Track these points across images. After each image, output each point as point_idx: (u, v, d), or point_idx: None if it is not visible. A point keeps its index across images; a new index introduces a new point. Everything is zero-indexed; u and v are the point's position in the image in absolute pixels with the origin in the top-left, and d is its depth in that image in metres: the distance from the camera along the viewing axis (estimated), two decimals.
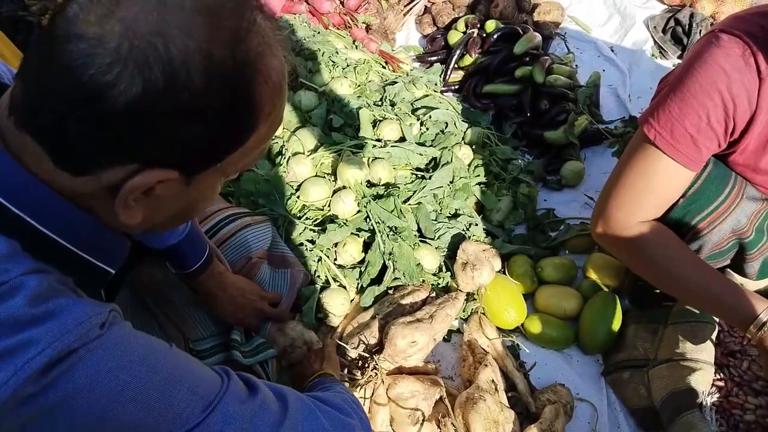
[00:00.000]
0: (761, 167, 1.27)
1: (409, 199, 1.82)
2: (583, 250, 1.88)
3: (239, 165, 0.77)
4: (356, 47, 2.46)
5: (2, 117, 0.68)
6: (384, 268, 1.67)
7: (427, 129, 2.07)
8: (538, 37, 2.45)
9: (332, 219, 1.75)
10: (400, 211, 1.76)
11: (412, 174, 1.91)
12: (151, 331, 1.36)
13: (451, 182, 1.89)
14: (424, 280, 1.69)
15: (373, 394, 1.38)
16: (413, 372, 1.47)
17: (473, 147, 2.10)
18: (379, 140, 1.95)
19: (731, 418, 1.38)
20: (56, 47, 0.62)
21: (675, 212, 1.34)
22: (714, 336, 1.46)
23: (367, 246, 1.73)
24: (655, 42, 2.63)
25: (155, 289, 1.42)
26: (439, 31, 2.68)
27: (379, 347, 1.48)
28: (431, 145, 2.00)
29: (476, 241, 1.77)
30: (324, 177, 1.85)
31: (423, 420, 1.36)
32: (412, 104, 2.19)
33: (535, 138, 2.22)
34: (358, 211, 1.77)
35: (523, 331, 1.68)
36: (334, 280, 1.67)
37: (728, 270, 1.47)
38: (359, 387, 1.39)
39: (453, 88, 2.46)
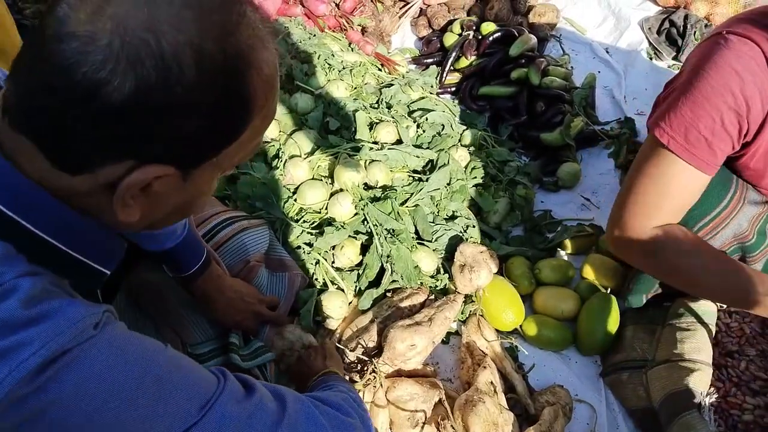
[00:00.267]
0: None
1: (406, 201, 1.82)
2: (581, 251, 1.89)
3: (235, 159, 0.77)
4: (352, 50, 2.46)
5: None
6: (382, 271, 1.67)
7: (424, 131, 2.07)
8: (534, 39, 2.45)
9: (329, 222, 1.75)
10: (398, 213, 1.76)
11: (409, 176, 1.91)
12: (148, 335, 1.36)
13: (448, 184, 1.89)
14: (422, 283, 1.69)
15: (372, 397, 1.37)
16: (412, 375, 1.47)
17: (470, 149, 2.10)
18: (375, 143, 1.95)
19: (730, 419, 1.38)
20: (48, 47, 0.62)
21: None
22: (712, 336, 1.47)
23: (364, 249, 1.73)
24: (650, 43, 2.64)
25: (152, 293, 1.42)
26: (435, 33, 2.69)
27: (377, 350, 1.48)
28: (428, 148, 2.00)
29: (474, 243, 1.76)
30: (321, 180, 1.85)
31: (423, 422, 1.36)
32: (408, 106, 2.19)
33: (532, 140, 2.23)
34: (356, 214, 1.76)
35: (522, 333, 1.68)
36: (332, 283, 1.67)
37: None
38: (359, 391, 1.38)
39: (449, 90, 2.46)
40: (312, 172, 1.87)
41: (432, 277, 1.72)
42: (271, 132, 1.96)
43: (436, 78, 2.47)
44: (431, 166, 1.94)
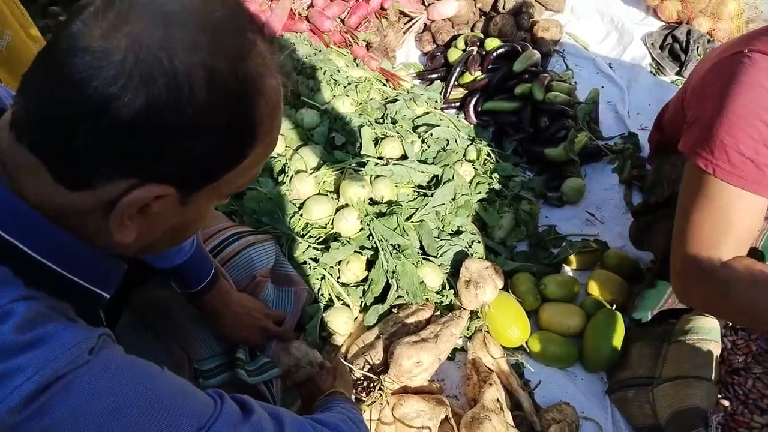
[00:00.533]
0: None
1: (411, 216, 1.82)
2: (585, 267, 1.89)
3: (234, 185, 0.77)
4: (357, 65, 2.48)
5: (2, 135, 0.68)
6: (387, 287, 1.68)
7: (429, 146, 2.09)
8: (537, 55, 2.47)
9: (335, 237, 1.76)
10: (403, 228, 1.76)
11: (414, 191, 1.92)
12: (155, 352, 1.37)
13: (453, 199, 1.90)
14: (427, 298, 1.69)
15: (379, 414, 1.37)
16: (418, 391, 1.47)
17: (474, 164, 2.11)
18: (381, 158, 1.97)
19: None
20: (61, 61, 0.63)
21: None
22: (718, 353, 1.47)
23: (370, 264, 1.73)
24: (653, 58, 2.65)
25: (159, 309, 1.42)
26: (439, 48, 2.70)
27: (383, 367, 1.48)
28: (433, 163, 2.01)
29: (479, 258, 1.77)
30: (327, 195, 1.86)
31: None
32: (413, 121, 2.20)
33: (536, 155, 2.24)
34: (361, 229, 1.77)
35: (527, 349, 1.68)
36: (338, 298, 1.67)
37: None
38: (365, 409, 1.38)
39: (453, 105, 2.48)
40: (318, 187, 1.88)
41: (437, 292, 1.73)
42: (278, 147, 1.98)
43: (441, 93, 2.49)
44: (436, 182, 1.95)
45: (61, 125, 0.63)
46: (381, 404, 1.39)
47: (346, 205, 1.81)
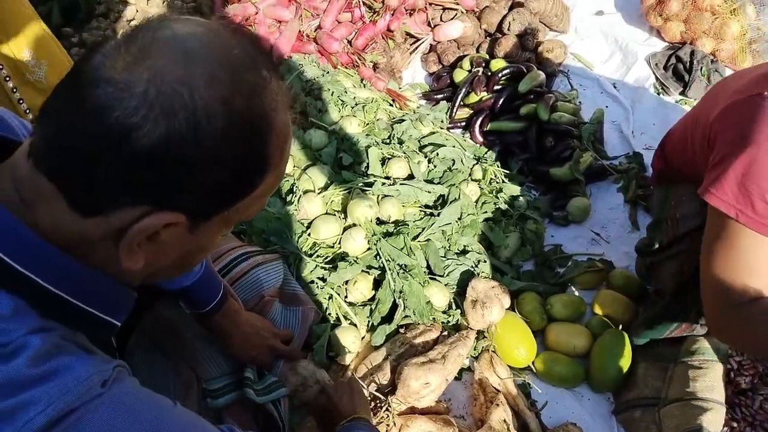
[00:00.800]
0: None
1: (418, 236, 1.84)
2: (591, 287, 1.90)
3: (242, 215, 0.79)
4: (364, 86, 2.52)
5: (19, 165, 0.70)
6: (394, 306, 1.69)
7: (435, 166, 2.11)
8: (542, 75, 2.50)
9: (343, 256, 1.78)
10: (410, 248, 1.78)
11: (421, 211, 1.94)
12: (163, 371, 1.38)
13: (459, 219, 1.92)
14: (434, 318, 1.70)
15: None
16: (425, 412, 1.48)
17: (480, 183, 2.13)
18: (387, 178, 1.99)
19: None
20: (82, 91, 0.65)
21: None
22: (724, 374, 1.47)
23: (377, 283, 1.75)
24: (657, 79, 2.67)
25: (168, 329, 1.43)
26: (445, 69, 2.74)
27: (391, 387, 1.49)
28: (439, 182, 2.03)
29: (485, 278, 1.78)
30: (334, 215, 1.88)
31: None
32: (419, 141, 2.23)
33: (541, 174, 2.26)
34: (368, 249, 1.79)
35: (534, 369, 1.68)
36: (345, 317, 1.69)
37: None
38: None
39: (459, 124, 2.50)
40: (325, 207, 1.90)
41: (444, 312, 1.74)
42: (286, 167, 2.00)
43: (447, 113, 2.51)
44: (442, 201, 1.97)
45: (81, 153, 0.65)
46: (388, 425, 1.39)
47: (354, 225, 1.83)
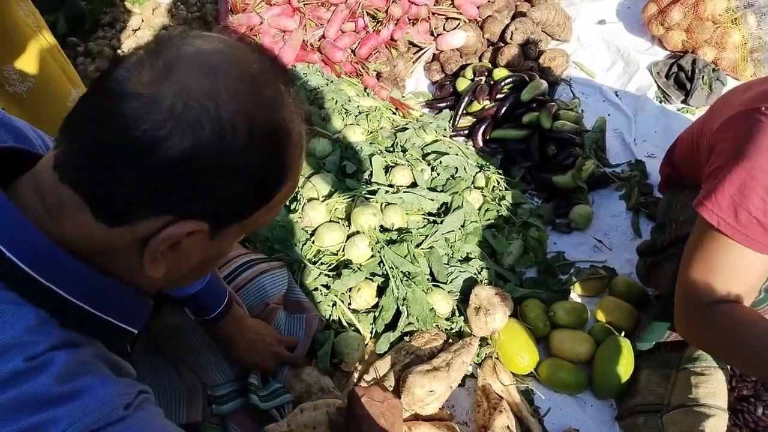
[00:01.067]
0: None
1: (421, 243, 1.85)
2: (594, 294, 1.91)
3: (259, 221, 0.81)
4: (368, 94, 2.54)
5: (44, 176, 0.73)
6: (398, 313, 1.70)
7: (438, 174, 2.12)
8: (545, 84, 2.52)
9: (346, 264, 1.79)
10: (413, 255, 1.79)
11: (424, 219, 1.95)
12: (169, 376, 1.39)
13: (462, 226, 1.93)
14: (437, 325, 1.71)
15: None
16: (429, 419, 1.48)
17: (483, 191, 2.14)
18: (391, 186, 2.00)
19: None
20: (108, 105, 0.67)
21: None
22: (726, 381, 1.47)
23: (380, 291, 1.76)
24: (659, 87, 2.69)
25: (173, 336, 1.45)
26: (448, 78, 2.76)
27: (395, 396, 1.49)
28: (442, 190, 2.04)
29: (488, 285, 1.79)
30: (338, 222, 1.89)
31: None
32: (422, 149, 2.24)
33: (544, 182, 2.27)
34: (372, 256, 1.80)
35: (537, 376, 1.69)
36: (349, 325, 1.70)
37: None
38: None
39: (462, 133, 2.52)
40: (329, 214, 1.91)
41: (447, 319, 1.75)
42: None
43: (450, 121, 2.53)
44: (445, 209, 1.98)
45: (108, 165, 0.67)
46: None
47: (357, 233, 1.84)
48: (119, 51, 3.00)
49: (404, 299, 1.69)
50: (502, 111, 2.45)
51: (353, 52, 2.72)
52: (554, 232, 2.15)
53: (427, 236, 1.87)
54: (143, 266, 0.74)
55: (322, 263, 1.80)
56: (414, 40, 2.82)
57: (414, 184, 2.04)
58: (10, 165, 0.77)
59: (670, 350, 1.61)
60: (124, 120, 0.66)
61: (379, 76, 2.69)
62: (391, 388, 1.50)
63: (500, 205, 2.10)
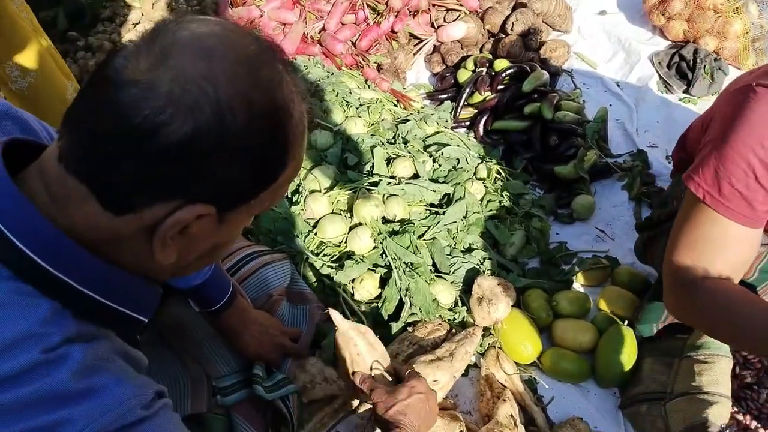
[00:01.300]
0: None
1: (423, 234, 1.85)
2: (596, 283, 1.91)
3: (266, 204, 0.81)
4: (368, 87, 2.53)
5: (49, 167, 0.73)
6: (401, 304, 1.70)
7: (440, 165, 2.12)
8: (546, 75, 2.51)
9: (349, 255, 1.79)
10: (416, 246, 1.79)
11: (426, 210, 1.95)
12: (173, 366, 1.40)
13: (465, 217, 1.93)
14: (440, 316, 1.71)
15: None
16: None
17: (485, 182, 2.14)
18: (393, 177, 2.00)
19: None
20: (107, 94, 0.67)
21: None
22: (729, 368, 1.47)
23: (383, 282, 1.76)
24: (660, 77, 2.68)
25: (177, 327, 1.45)
26: (449, 69, 2.75)
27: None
28: (444, 181, 2.04)
29: (491, 275, 1.79)
30: (340, 214, 1.89)
31: None
32: (424, 141, 2.24)
33: (546, 172, 2.27)
34: (374, 248, 1.80)
35: (540, 365, 1.69)
36: (352, 315, 1.70)
37: None
38: None
39: (463, 124, 2.52)
40: (331, 206, 1.92)
41: (450, 309, 1.75)
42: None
43: (451, 113, 2.53)
44: (448, 200, 1.98)
45: (110, 154, 0.67)
46: None
47: (360, 224, 1.85)
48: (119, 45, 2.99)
49: (407, 290, 1.70)
50: (504, 102, 2.44)
51: (354, 44, 2.71)
52: (556, 222, 2.16)
53: (429, 227, 1.87)
54: (154, 253, 0.74)
55: (324, 255, 1.81)
56: (414, 32, 2.81)
57: (416, 176, 2.04)
58: (17, 157, 0.77)
59: (673, 338, 1.61)
60: (123, 108, 0.66)
61: (379, 68, 2.69)
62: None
63: (502, 196, 2.10)
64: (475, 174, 2.15)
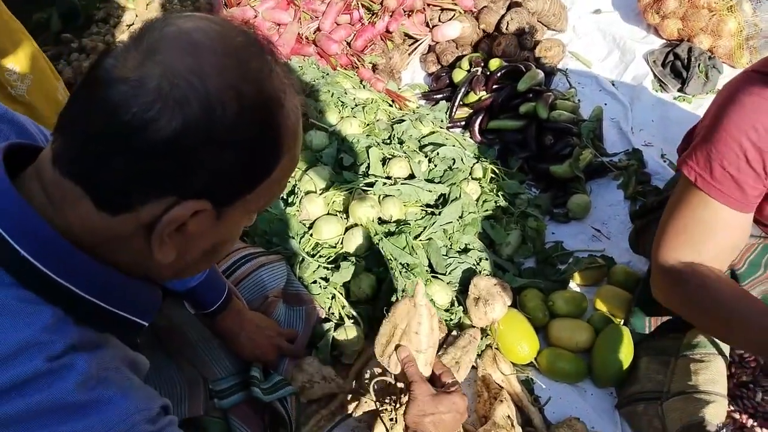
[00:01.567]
0: None
1: (419, 235, 1.85)
2: (592, 283, 1.91)
3: (263, 200, 0.80)
4: (364, 87, 2.53)
5: (45, 170, 0.72)
6: None
7: (435, 166, 2.12)
8: (541, 74, 2.51)
9: (345, 256, 1.79)
10: (412, 247, 1.79)
11: (422, 210, 1.95)
12: (168, 369, 1.39)
13: (461, 217, 1.93)
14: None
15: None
16: None
17: (480, 182, 2.14)
18: (388, 178, 2.00)
19: None
20: (98, 93, 0.67)
21: None
22: (726, 367, 1.48)
23: (379, 282, 1.76)
24: (655, 76, 2.69)
25: (173, 330, 1.45)
26: (444, 69, 2.75)
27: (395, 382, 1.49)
28: (440, 182, 2.04)
29: (487, 275, 1.79)
30: (336, 215, 1.89)
31: None
32: (419, 141, 2.24)
33: (541, 172, 2.27)
34: (370, 248, 1.80)
35: (537, 365, 1.69)
36: (348, 316, 1.70)
37: None
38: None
39: (459, 124, 2.51)
40: (327, 207, 1.91)
41: (446, 310, 1.75)
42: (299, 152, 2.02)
43: (446, 113, 2.52)
44: (443, 200, 1.98)
45: (102, 153, 0.67)
46: (392, 419, 1.40)
47: (356, 225, 1.84)
48: None
49: (403, 291, 1.69)
50: (499, 101, 2.44)
51: (348, 44, 2.71)
52: (552, 221, 2.15)
53: (425, 228, 1.87)
54: (152, 252, 0.74)
55: (320, 256, 1.80)
56: (409, 32, 2.81)
57: (411, 176, 2.04)
58: (15, 160, 0.77)
59: (669, 338, 1.61)
60: (113, 106, 0.65)
61: (374, 68, 2.68)
62: (392, 379, 1.50)
63: (498, 196, 2.10)
64: (470, 174, 2.15)
